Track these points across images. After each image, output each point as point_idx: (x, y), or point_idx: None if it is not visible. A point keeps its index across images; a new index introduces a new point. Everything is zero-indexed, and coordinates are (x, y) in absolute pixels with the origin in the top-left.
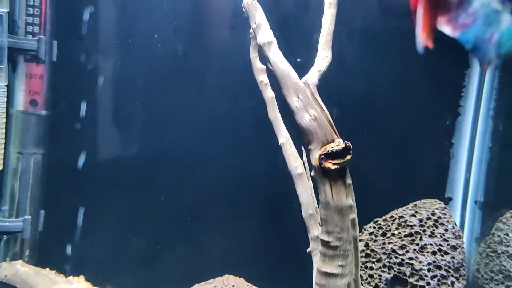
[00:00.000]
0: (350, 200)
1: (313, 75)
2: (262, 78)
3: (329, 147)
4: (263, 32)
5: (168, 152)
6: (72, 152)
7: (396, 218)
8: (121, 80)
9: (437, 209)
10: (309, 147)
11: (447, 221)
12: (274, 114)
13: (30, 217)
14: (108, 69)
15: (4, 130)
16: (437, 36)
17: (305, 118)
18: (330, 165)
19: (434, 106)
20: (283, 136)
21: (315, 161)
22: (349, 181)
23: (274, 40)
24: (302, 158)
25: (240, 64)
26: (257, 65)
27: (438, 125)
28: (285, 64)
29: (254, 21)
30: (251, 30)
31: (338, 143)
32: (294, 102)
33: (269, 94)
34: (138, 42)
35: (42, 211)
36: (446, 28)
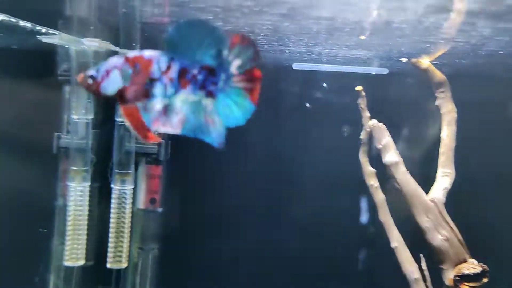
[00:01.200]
0: None
1: (439, 193)
2: (373, 181)
3: (465, 270)
4: (390, 153)
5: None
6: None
7: None
8: (224, 182)
9: None
10: (441, 266)
11: None
12: (385, 217)
13: None
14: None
15: (129, 229)
16: None
17: (436, 238)
18: (466, 287)
19: None
20: (396, 240)
21: (449, 281)
22: None
23: (401, 160)
24: (417, 263)
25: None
26: (368, 169)
27: None
28: (414, 184)
29: (380, 142)
30: (361, 136)
31: (474, 266)
32: (424, 221)
33: (380, 197)
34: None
35: None
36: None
